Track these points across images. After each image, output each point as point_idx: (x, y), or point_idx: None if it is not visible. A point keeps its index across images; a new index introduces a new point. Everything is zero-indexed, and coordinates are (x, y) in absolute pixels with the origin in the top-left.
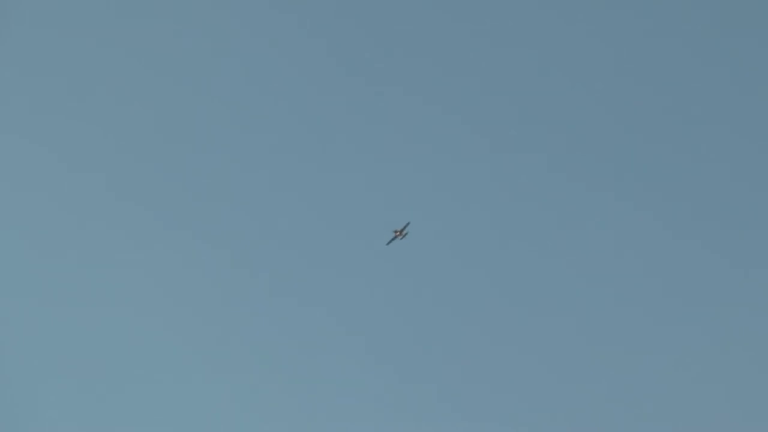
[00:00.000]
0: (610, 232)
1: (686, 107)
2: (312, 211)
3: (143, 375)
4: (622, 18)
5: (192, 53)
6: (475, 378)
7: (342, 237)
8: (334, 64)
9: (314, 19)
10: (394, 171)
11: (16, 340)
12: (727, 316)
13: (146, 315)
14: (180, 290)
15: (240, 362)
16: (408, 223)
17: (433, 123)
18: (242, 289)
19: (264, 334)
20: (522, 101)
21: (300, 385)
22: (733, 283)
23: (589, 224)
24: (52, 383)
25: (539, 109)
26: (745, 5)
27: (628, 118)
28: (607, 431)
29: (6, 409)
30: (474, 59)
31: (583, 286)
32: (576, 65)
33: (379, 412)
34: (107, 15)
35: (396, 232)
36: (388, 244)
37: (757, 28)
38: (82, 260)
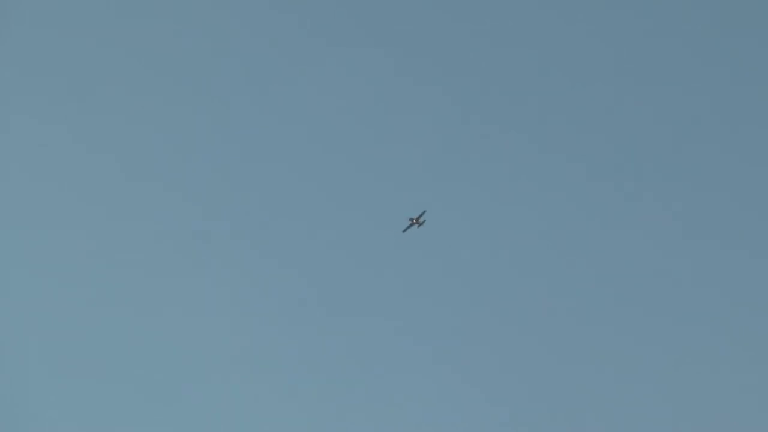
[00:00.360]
0: (620, 230)
1: (696, 107)
2: (312, 210)
3: (143, 375)
4: (637, 14)
5: (192, 53)
6: (482, 378)
7: (343, 237)
8: (334, 63)
9: (314, 19)
10: (395, 171)
11: (16, 339)
12: (740, 315)
13: (146, 315)
14: (181, 290)
15: (239, 362)
16: (424, 212)
17: (435, 122)
18: (242, 288)
19: (264, 333)
20: (532, 99)
21: (301, 386)
22: (748, 282)
23: (600, 222)
24: (52, 383)
25: (551, 107)
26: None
27: (644, 117)
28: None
29: (6, 409)
30: (480, 57)
31: (596, 286)
32: (589, 65)
33: (380, 412)
34: (107, 15)
35: (412, 220)
36: (404, 231)
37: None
38: (82, 260)
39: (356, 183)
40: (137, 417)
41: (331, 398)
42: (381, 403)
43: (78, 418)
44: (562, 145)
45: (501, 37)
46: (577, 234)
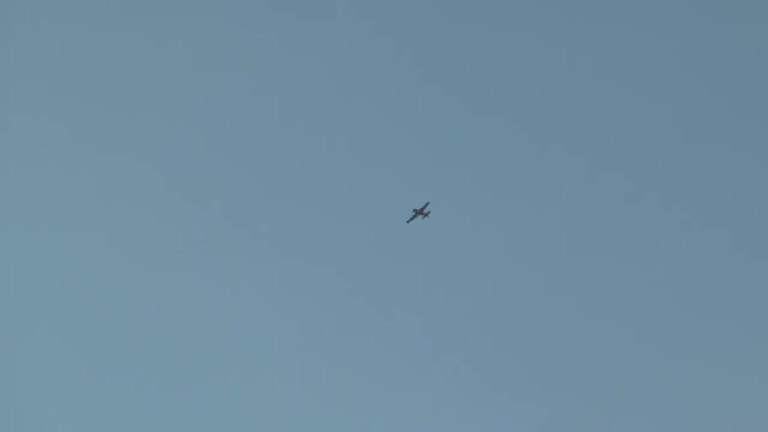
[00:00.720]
0: (623, 229)
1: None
2: (313, 210)
3: (145, 375)
4: (637, 14)
5: (192, 53)
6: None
7: (345, 236)
8: (334, 63)
9: (316, 18)
10: (398, 170)
11: (17, 339)
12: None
13: (148, 315)
14: (181, 289)
15: (238, 362)
16: (428, 203)
17: (440, 120)
18: (244, 285)
19: (266, 334)
20: (544, 96)
21: (302, 386)
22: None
23: (603, 219)
24: (52, 383)
25: (566, 103)
26: None
27: (644, 116)
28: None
29: (6, 409)
30: (481, 57)
31: (596, 285)
32: (606, 61)
33: (382, 411)
34: (107, 15)
35: (416, 210)
36: (408, 222)
37: None
38: (82, 259)
39: (355, 182)
40: (137, 416)
41: (330, 398)
42: (383, 401)
43: (77, 418)
44: (563, 142)
45: (501, 38)
46: (581, 231)
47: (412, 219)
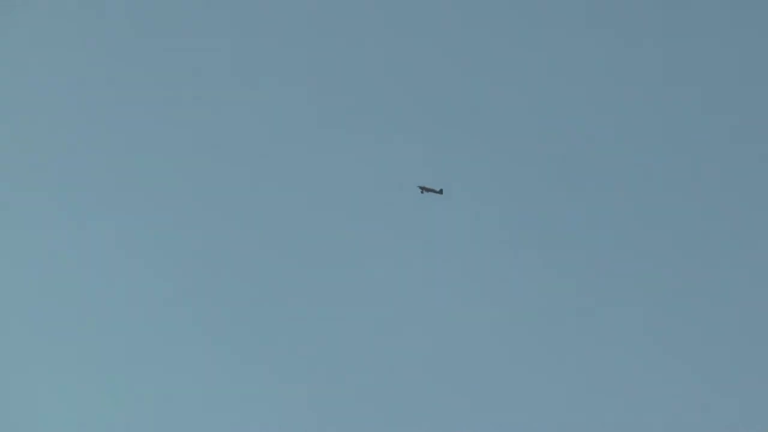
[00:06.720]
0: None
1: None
2: (312, 209)
3: (146, 376)
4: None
5: (191, 53)
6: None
7: (346, 236)
8: (331, 65)
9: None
10: (400, 169)
11: (17, 338)
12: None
13: (148, 314)
14: (182, 290)
15: (238, 363)
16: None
17: (443, 122)
18: (243, 288)
19: (266, 334)
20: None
21: (302, 386)
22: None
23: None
24: (52, 383)
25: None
26: None
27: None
28: None
29: (6, 410)
30: (483, 60)
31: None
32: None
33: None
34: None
35: (423, 188)
36: (422, 193)
37: None
38: (81, 258)
39: (359, 182)
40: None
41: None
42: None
43: (77, 418)
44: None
45: (503, 42)
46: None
47: (425, 192)
